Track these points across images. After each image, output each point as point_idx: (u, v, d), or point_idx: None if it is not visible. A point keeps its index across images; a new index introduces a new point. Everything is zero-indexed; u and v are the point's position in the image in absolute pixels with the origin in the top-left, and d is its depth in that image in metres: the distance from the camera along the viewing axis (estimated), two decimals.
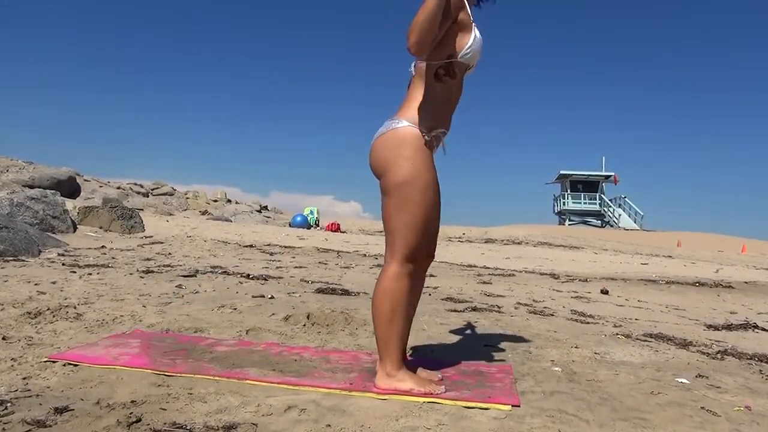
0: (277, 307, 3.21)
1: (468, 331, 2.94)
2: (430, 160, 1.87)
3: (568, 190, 39.05)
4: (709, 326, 3.67)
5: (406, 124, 1.85)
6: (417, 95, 1.89)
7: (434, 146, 1.89)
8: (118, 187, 20.43)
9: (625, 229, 33.50)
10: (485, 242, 15.20)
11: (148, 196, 21.19)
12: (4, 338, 2.20)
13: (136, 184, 22.39)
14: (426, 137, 1.84)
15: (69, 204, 9.19)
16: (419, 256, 1.89)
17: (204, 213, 20.00)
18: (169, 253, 6.38)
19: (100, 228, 8.79)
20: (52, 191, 8.80)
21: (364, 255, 7.70)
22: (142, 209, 15.45)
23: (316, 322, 2.84)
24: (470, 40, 1.87)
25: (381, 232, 16.90)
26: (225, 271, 4.84)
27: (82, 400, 1.62)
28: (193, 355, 2.12)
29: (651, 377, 2.20)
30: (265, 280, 4.48)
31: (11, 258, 4.85)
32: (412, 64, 1.92)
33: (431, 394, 1.80)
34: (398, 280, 1.85)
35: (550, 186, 42.03)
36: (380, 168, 1.87)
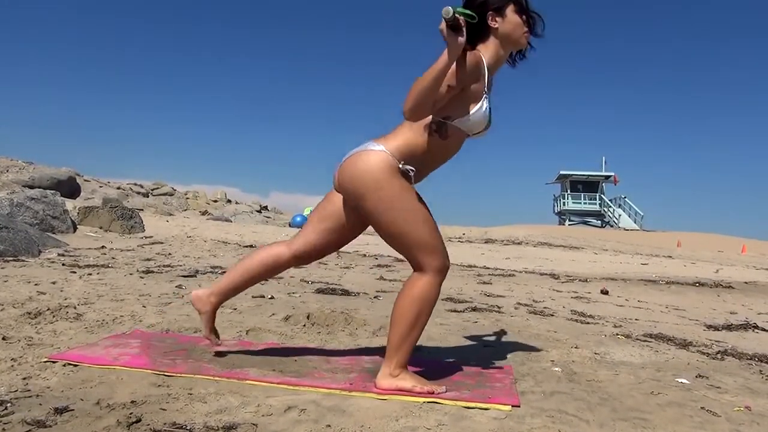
0: (277, 308, 3.21)
1: (468, 332, 2.94)
2: (406, 183, 1.83)
3: (568, 191, 39.03)
4: (709, 326, 3.67)
5: (380, 148, 1.82)
6: (403, 134, 1.85)
7: (409, 180, 1.85)
8: (118, 188, 20.43)
9: (625, 230, 33.50)
10: (485, 242, 15.20)
11: (148, 197, 21.19)
12: (4, 338, 2.20)
13: (136, 184, 22.39)
14: (400, 167, 1.81)
15: (69, 204, 9.19)
16: (443, 255, 1.86)
17: (204, 213, 20.00)
18: (169, 254, 6.38)
19: (100, 228, 8.79)
20: (52, 191, 8.80)
21: (364, 255, 7.69)
22: (142, 209, 15.45)
23: (316, 322, 2.84)
24: (473, 111, 1.83)
25: None
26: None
27: (82, 400, 1.62)
28: (193, 356, 2.12)
29: (651, 377, 2.20)
30: (265, 280, 4.47)
31: (11, 258, 4.85)
32: None
33: (432, 393, 1.80)
34: (432, 289, 1.84)
35: (550, 186, 42.05)
36: (356, 192, 1.83)
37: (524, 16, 1.88)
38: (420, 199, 1.88)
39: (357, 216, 1.95)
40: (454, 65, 1.73)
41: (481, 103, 1.84)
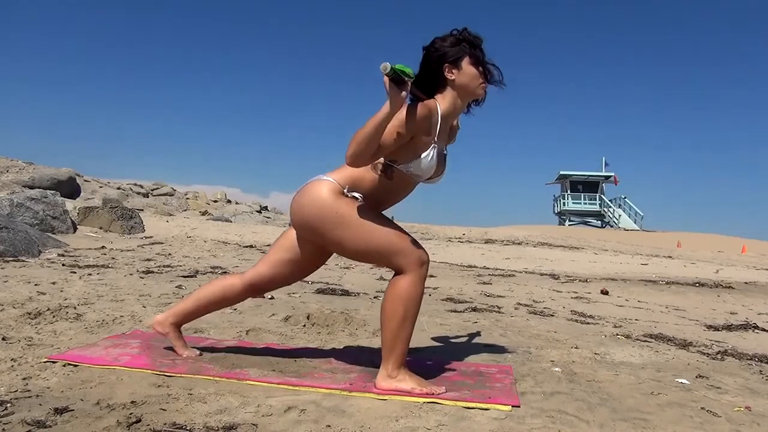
0: (277, 308, 3.21)
1: (468, 332, 2.94)
2: (353, 203, 1.85)
3: (568, 191, 39.01)
4: (709, 327, 3.67)
5: (328, 179, 1.86)
6: (352, 170, 1.86)
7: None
8: (118, 188, 20.43)
9: (625, 230, 33.48)
10: (485, 243, 15.20)
11: (148, 197, 21.19)
12: (4, 339, 2.20)
13: (136, 184, 22.38)
14: (345, 192, 1.84)
15: (69, 204, 9.20)
16: (418, 251, 1.87)
17: (204, 213, 20.00)
18: (169, 254, 6.38)
19: (100, 228, 8.79)
20: (52, 192, 8.81)
21: None
22: (142, 210, 15.45)
23: (316, 322, 2.84)
24: (418, 160, 1.85)
25: None
26: (225, 272, 4.84)
27: (82, 400, 1.62)
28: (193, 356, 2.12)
29: (651, 378, 2.20)
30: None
31: (11, 258, 4.85)
32: None
33: (432, 394, 1.80)
34: (414, 286, 1.86)
35: (550, 186, 42.01)
36: (307, 223, 1.88)
37: (480, 68, 1.91)
38: (366, 208, 1.88)
39: (312, 248, 1.99)
40: (403, 115, 1.76)
41: (429, 152, 1.86)
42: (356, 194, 1.86)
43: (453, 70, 1.89)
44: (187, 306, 2.14)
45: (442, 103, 1.89)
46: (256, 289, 2.10)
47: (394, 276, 1.90)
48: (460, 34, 1.89)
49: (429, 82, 1.89)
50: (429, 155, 1.86)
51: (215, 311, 2.25)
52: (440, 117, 1.86)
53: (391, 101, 1.68)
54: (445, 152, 1.98)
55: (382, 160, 1.86)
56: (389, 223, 1.89)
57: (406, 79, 1.69)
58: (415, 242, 1.90)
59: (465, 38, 1.89)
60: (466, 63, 1.89)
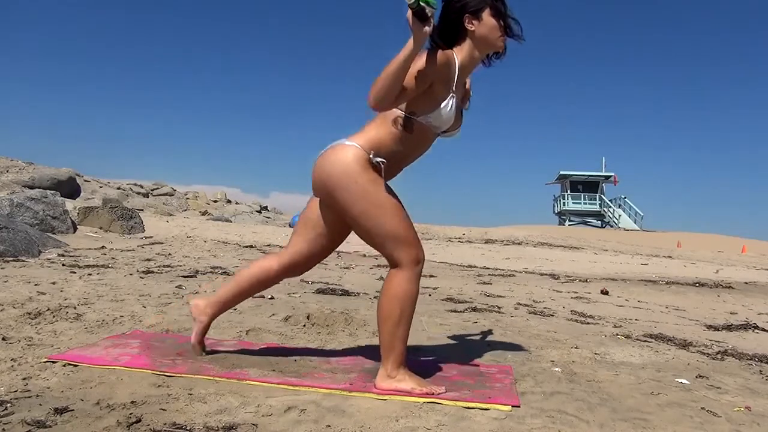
0: (277, 308, 3.21)
1: (468, 332, 2.94)
2: (377, 176, 1.84)
3: (568, 191, 39.02)
4: (709, 327, 3.67)
5: (353, 144, 1.84)
6: (374, 129, 1.88)
7: (379, 172, 1.86)
8: (118, 188, 20.43)
9: (625, 230, 33.48)
10: (485, 243, 15.20)
11: (148, 197, 21.19)
12: (4, 339, 2.20)
13: (136, 184, 22.39)
14: (372, 160, 1.83)
15: (69, 204, 9.20)
16: (418, 248, 1.88)
17: (204, 213, 20.00)
18: (169, 254, 6.38)
19: (100, 228, 8.79)
20: (52, 192, 8.81)
21: (364, 255, 7.70)
22: (142, 210, 15.46)
23: (316, 322, 2.84)
24: (437, 108, 1.85)
25: None
26: (225, 272, 4.84)
27: (82, 400, 1.62)
28: (193, 356, 2.12)
29: (651, 378, 2.20)
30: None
31: (11, 258, 4.85)
32: None
33: (432, 394, 1.80)
34: (410, 284, 1.85)
35: (550, 186, 42.03)
36: (328, 187, 1.86)
37: (501, 20, 1.90)
38: (391, 191, 1.89)
39: (335, 216, 1.96)
40: (424, 60, 1.76)
41: (447, 101, 1.86)
42: (380, 159, 1.84)
43: (473, 21, 1.88)
44: (228, 293, 2.12)
45: (459, 54, 1.89)
46: (292, 269, 2.10)
47: (389, 273, 1.90)
48: None
49: (448, 32, 1.87)
50: (448, 105, 1.86)
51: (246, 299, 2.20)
52: (458, 68, 1.87)
53: (414, 37, 1.67)
54: (463, 108, 1.98)
55: (401, 114, 1.85)
56: (404, 212, 1.88)
57: (429, 11, 1.67)
58: (418, 240, 1.90)
59: None
60: (486, 14, 1.88)
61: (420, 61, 1.77)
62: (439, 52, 1.81)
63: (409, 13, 1.65)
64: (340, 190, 1.83)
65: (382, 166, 1.84)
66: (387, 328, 1.85)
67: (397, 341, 1.85)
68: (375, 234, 1.85)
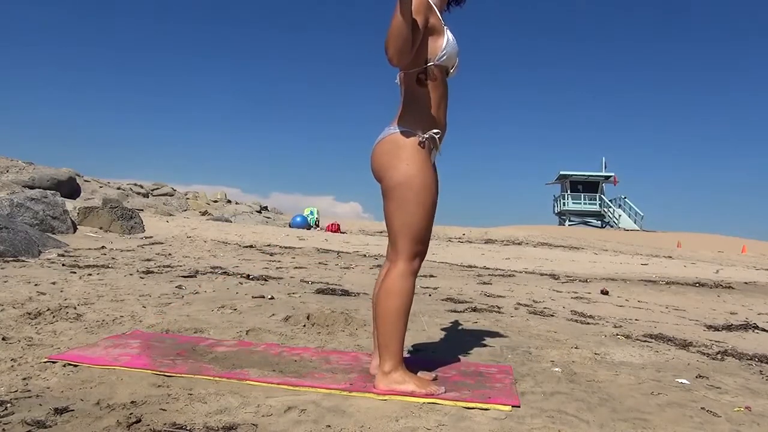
0: (277, 308, 3.21)
1: (468, 332, 2.94)
2: (427, 162, 1.91)
3: (568, 191, 39.05)
4: (709, 327, 3.67)
5: (401, 129, 1.91)
6: (408, 102, 1.95)
7: (431, 147, 1.93)
8: (118, 188, 20.43)
9: (625, 230, 33.50)
10: (485, 243, 15.20)
11: (148, 197, 21.19)
12: (4, 339, 2.20)
13: (136, 184, 22.39)
14: (420, 138, 1.89)
15: (69, 204, 9.19)
16: (424, 250, 1.92)
17: (204, 213, 20.01)
18: (169, 254, 6.38)
19: (100, 228, 8.79)
20: (52, 192, 8.81)
21: (364, 255, 7.70)
22: (142, 210, 15.46)
23: (316, 322, 2.84)
24: (443, 43, 1.93)
25: (381, 232, 16.95)
26: (225, 272, 4.84)
27: (82, 400, 1.62)
28: (193, 356, 2.12)
29: (651, 378, 2.20)
30: (265, 280, 4.48)
31: (11, 258, 4.85)
32: (397, 75, 1.98)
33: (432, 395, 1.80)
34: (405, 279, 1.88)
35: (550, 186, 42.07)
36: (379, 172, 1.93)
37: None
38: (434, 183, 1.92)
39: None
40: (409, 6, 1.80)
41: (445, 34, 1.94)
42: (432, 133, 1.91)
43: None
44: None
45: None
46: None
47: (388, 269, 1.93)
48: None
49: None
50: (447, 38, 1.93)
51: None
52: (434, 6, 1.93)
53: None
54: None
55: (419, 69, 1.91)
56: (433, 210, 1.92)
57: None
58: (428, 241, 1.94)
59: None
60: None
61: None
62: None
63: None
64: (391, 170, 1.89)
65: (437, 138, 1.92)
66: (382, 324, 1.87)
67: (393, 339, 1.86)
68: (398, 217, 1.88)
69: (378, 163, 1.93)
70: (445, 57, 1.93)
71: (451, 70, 2.01)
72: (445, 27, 1.95)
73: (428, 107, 1.94)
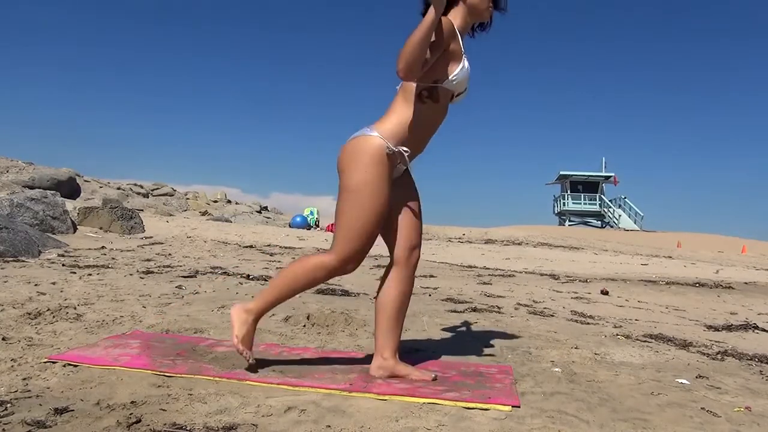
0: (277, 308, 3.20)
1: (468, 332, 2.94)
2: (385, 174, 1.91)
3: (568, 191, 39.06)
4: (709, 327, 3.67)
5: (375, 134, 1.91)
6: (398, 111, 1.96)
7: (396, 162, 1.94)
8: (118, 188, 20.44)
9: (625, 230, 33.51)
10: (485, 243, 15.20)
11: (148, 197, 21.20)
12: (4, 339, 2.20)
13: (136, 184, 22.40)
14: (388, 150, 1.89)
15: (69, 204, 9.19)
16: (357, 256, 1.94)
17: (204, 213, 20.00)
18: (169, 254, 6.38)
19: (100, 228, 8.79)
20: (52, 192, 8.80)
21: None
22: (142, 210, 15.46)
23: (316, 322, 2.84)
24: (458, 69, 1.94)
25: None
26: (225, 272, 4.84)
27: (82, 400, 1.62)
28: (193, 356, 2.12)
29: (651, 378, 2.20)
30: (265, 280, 4.48)
31: (11, 259, 4.85)
32: (401, 82, 1.98)
33: (428, 379, 1.93)
34: (323, 265, 1.93)
35: (550, 187, 42.09)
36: (339, 170, 1.96)
37: None
38: (386, 196, 1.91)
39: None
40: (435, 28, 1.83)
41: (462, 61, 1.96)
42: (402, 148, 1.91)
43: None
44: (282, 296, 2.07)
45: (455, 20, 1.97)
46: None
47: (388, 269, 2.02)
48: None
49: None
50: (463, 66, 1.95)
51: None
52: (458, 31, 1.95)
53: (435, 5, 1.76)
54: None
55: (424, 85, 1.92)
56: (379, 219, 1.91)
57: None
58: (365, 249, 1.94)
59: None
60: None
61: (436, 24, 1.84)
62: (443, 18, 1.88)
63: None
64: (349, 171, 1.91)
65: (405, 154, 1.92)
66: (275, 290, 1.98)
67: (272, 296, 1.98)
68: (344, 218, 1.91)
69: (341, 160, 1.95)
70: (455, 82, 1.95)
71: (457, 97, 2.02)
72: (464, 54, 1.96)
73: (416, 125, 1.94)
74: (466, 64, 1.97)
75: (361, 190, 1.88)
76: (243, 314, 1.99)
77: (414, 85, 1.93)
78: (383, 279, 2.06)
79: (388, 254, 2.08)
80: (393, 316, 2.00)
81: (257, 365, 2.00)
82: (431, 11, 1.76)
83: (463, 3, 1.99)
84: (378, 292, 2.05)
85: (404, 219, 2.03)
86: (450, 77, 1.93)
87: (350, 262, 1.94)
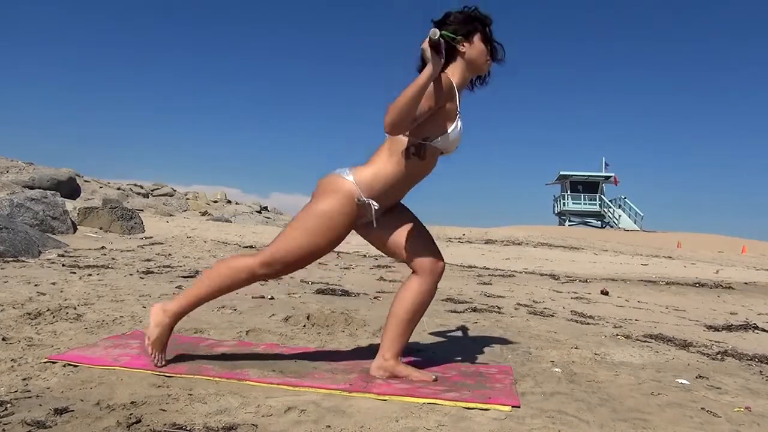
0: (277, 308, 3.21)
1: (468, 332, 2.94)
2: (347, 219, 1.91)
3: (568, 191, 39.02)
4: (709, 327, 3.67)
5: (351, 179, 1.91)
6: (380, 163, 1.94)
7: (364, 212, 1.92)
8: (118, 188, 20.44)
9: (625, 230, 33.48)
10: (485, 243, 15.19)
11: (148, 197, 21.20)
12: (4, 339, 2.20)
13: (136, 184, 22.40)
14: (358, 201, 1.89)
15: (69, 205, 9.19)
16: (279, 268, 1.94)
17: (204, 214, 20.00)
18: (169, 254, 6.38)
19: (100, 229, 8.79)
20: (52, 192, 8.80)
21: (364, 256, 7.70)
22: (142, 210, 15.46)
23: (316, 322, 2.84)
24: (450, 129, 1.92)
25: None
26: None
27: (81, 401, 1.62)
28: (193, 356, 2.12)
29: (651, 378, 2.20)
30: (265, 280, 4.48)
31: (11, 259, 4.85)
32: None
33: (428, 380, 1.94)
34: (245, 271, 1.94)
35: (550, 187, 42.04)
36: (312, 196, 1.97)
37: (488, 45, 2.00)
38: (338, 239, 1.93)
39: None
40: (432, 85, 1.82)
41: (456, 122, 1.93)
42: (371, 201, 1.90)
43: (465, 44, 1.96)
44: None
45: (453, 76, 1.96)
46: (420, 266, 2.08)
47: (409, 280, 2.01)
48: (472, 12, 1.98)
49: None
50: (456, 126, 1.94)
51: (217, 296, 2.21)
52: (456, 88, 1.94)
53: (432, 65, 1.76)
54: None
55: (413, 141, 1.91)
56: (321, 250, 1.93)
57: (454, 43, 1.89)
58: (287, 270, 1.96)
59: (477, 16, 1.98)
60: (477, 38, 1.98)
61: (429, 88, 1.82)
62: (442, 74, 1.88)
63: (426, 43, 1.78)
64: (317, 202, 1.92)
65: (373, 208, 1.90)
66: (198, 290, 2.00)
67: (192, 297, 2.01)
68: (292, 234, 1.92)
69: (316, 188, 1.95)
70: (447, 142, 1.93)
71: (445, 153, 2.01)
72: (458, 115, 1.94)
73: (397, 179, 1.93)
74: (460, 124, 1.94)
75: (317, 219, 1.89)
76: (160, 314, 1.98)
77: (404, 139, 1.91)
78: (403, 284, 2.03)
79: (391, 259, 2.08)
80: (404, 323, 1.99)
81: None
82: (427, 69, 1.75)
83: (461, 58, 1.96)
84: (396, 296, 2.03)
85: (413, 231, 2.02)
86: (441, 137, 1.91)
87: (271, 270, 1.94)
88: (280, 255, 1.91)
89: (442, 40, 1.80)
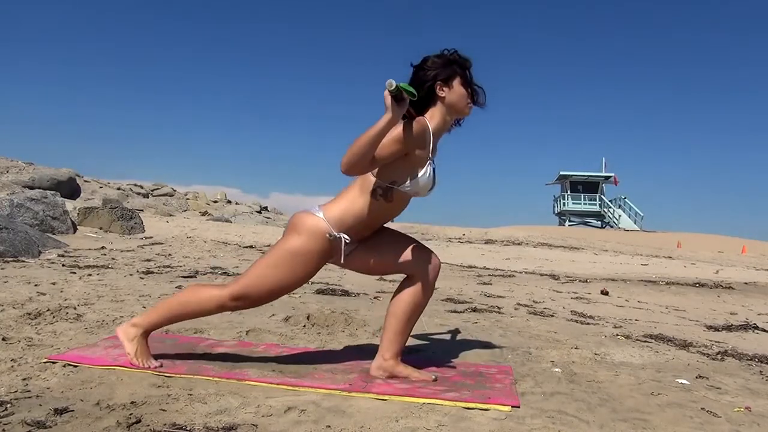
0: (276, 308, 3.21)
1: (468, 332, 2.94)
2: (317, 256, 1.93)
3: (568, 191, 39.01)
4: (709, 327, 3.67)
5: (321, 216, 1.92)
6: (350, 198, 1.95)
7: (336, 247, 1.93)
8: (118, 188, 20.43)
9: (625, 230, 33.47)
10: (485, 243, 15.19)
11: (148, 197, 21.19)
12: (4, 339, 2.20)
13: (136, 184, 22.39)
14: (329, 236, 1.91)
15: (69, 205, 9.19)
16: (247, 302, 1.96)
17: (204, 214, 19.99)
18: (169, 254, 6.38)
19: (100, 229, 8.79)
20: (52, 192, 8.81)
21: None
22: (142, 210, 15.45)
23: (316, 322, 2.84)
24: (419, 175, 1.91)
25: None
26: (225, 272, 4.84)
27: (81, 401, 1.62)
28: (193, 356, 2.12)
29: (651, 378, 2.20)
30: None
31: (11, 259, 4.85)
32: None
33: (428, 380, 1.94)
34: (213, 302, 1.95)
35: (550, 187, 42.02)
36: (286, 228, 1.98)
37: (469, 89, 1.99)
38: (307, 276, 1.96)
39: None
40: (400, 130, 1.82)
41: (426, 168, 1.92)
42: (342, 236, 1.91)
43: (444, 88, 1.95)
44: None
45: (432, 119, 1.94)
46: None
47: (406, 280, 2.02)
48: (451, 55, 1.97)
49: (421, 98, 1.93)
50: (426, 172, 1.92)
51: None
52: (431, 134, 1.91)
53: (392, 115, 1.74)
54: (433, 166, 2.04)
55: (381, 184, 1.90)
56: (290, 285, 1.96)
57: (408, 98, 1.79)
58: (255, 303, 1.99)
59: (456, 60, 1.97)
60: (456, 83, 1.97)
61: (396, 131, 1.82)
62: (414, 121, 1.86)
63: (387, 93, 1.74)
64: (288, 238, 1.93)
65: (344, 242, 1.91)
66: (166, 311, 2.00)
67: (163, 312, 2.01)
68: (263, 268, 1.93)
69: (288, 225, 1.97)
70: (410, 188, 1.92)
71: (418, 196, 2.00)
72: (429, 161, 1.92)
73: (366, 216, 1.93)
74: (429, 170, 1.92)
75: (288, 256, 1.90)
76: (130, 330, 1.98)
77: (373, 178, 1.91)
78: (401, 284, 2.04)
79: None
80: (402, 323, 1.99)
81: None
82: (385, 117, 1.74)
83: (441, 103, 1.95)
84: (393, 296, 2.05)
85: (394, 242, 2.04)
86: (410, 182, 1.90)
87: (240, 303, 1.96)
88: (250, 290, 1.93)
89: (404, 92, 1.76)
